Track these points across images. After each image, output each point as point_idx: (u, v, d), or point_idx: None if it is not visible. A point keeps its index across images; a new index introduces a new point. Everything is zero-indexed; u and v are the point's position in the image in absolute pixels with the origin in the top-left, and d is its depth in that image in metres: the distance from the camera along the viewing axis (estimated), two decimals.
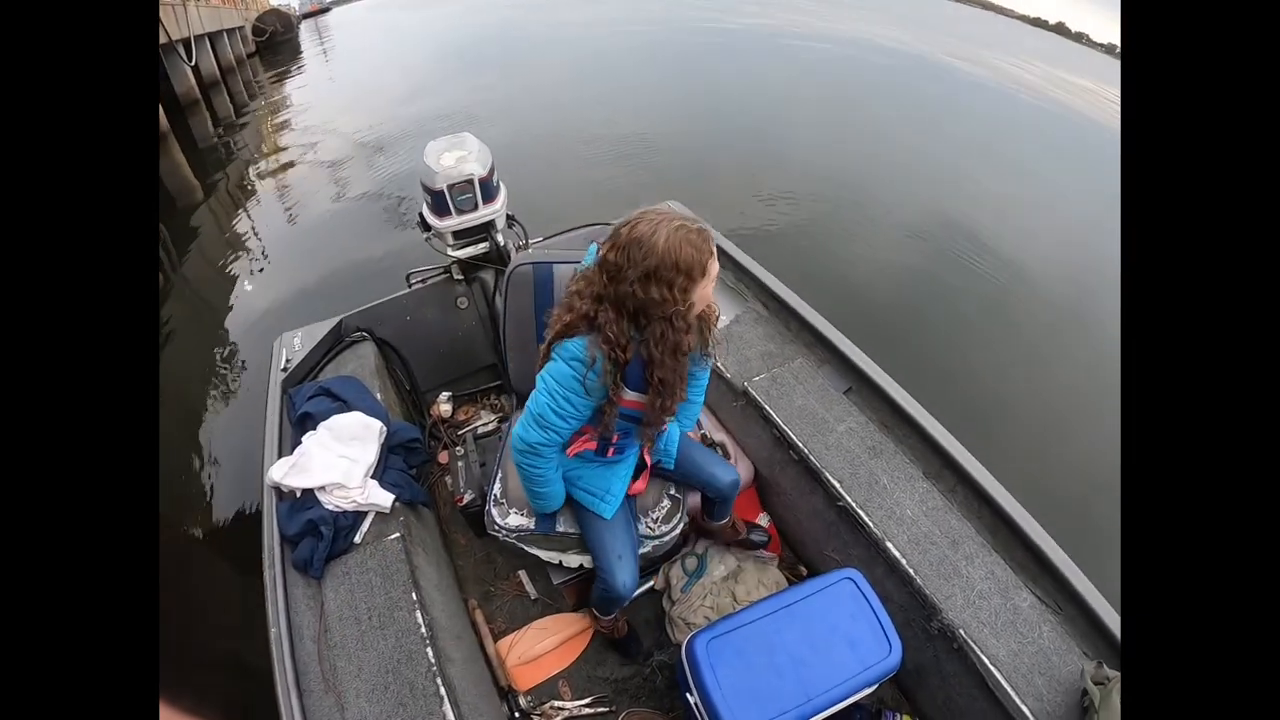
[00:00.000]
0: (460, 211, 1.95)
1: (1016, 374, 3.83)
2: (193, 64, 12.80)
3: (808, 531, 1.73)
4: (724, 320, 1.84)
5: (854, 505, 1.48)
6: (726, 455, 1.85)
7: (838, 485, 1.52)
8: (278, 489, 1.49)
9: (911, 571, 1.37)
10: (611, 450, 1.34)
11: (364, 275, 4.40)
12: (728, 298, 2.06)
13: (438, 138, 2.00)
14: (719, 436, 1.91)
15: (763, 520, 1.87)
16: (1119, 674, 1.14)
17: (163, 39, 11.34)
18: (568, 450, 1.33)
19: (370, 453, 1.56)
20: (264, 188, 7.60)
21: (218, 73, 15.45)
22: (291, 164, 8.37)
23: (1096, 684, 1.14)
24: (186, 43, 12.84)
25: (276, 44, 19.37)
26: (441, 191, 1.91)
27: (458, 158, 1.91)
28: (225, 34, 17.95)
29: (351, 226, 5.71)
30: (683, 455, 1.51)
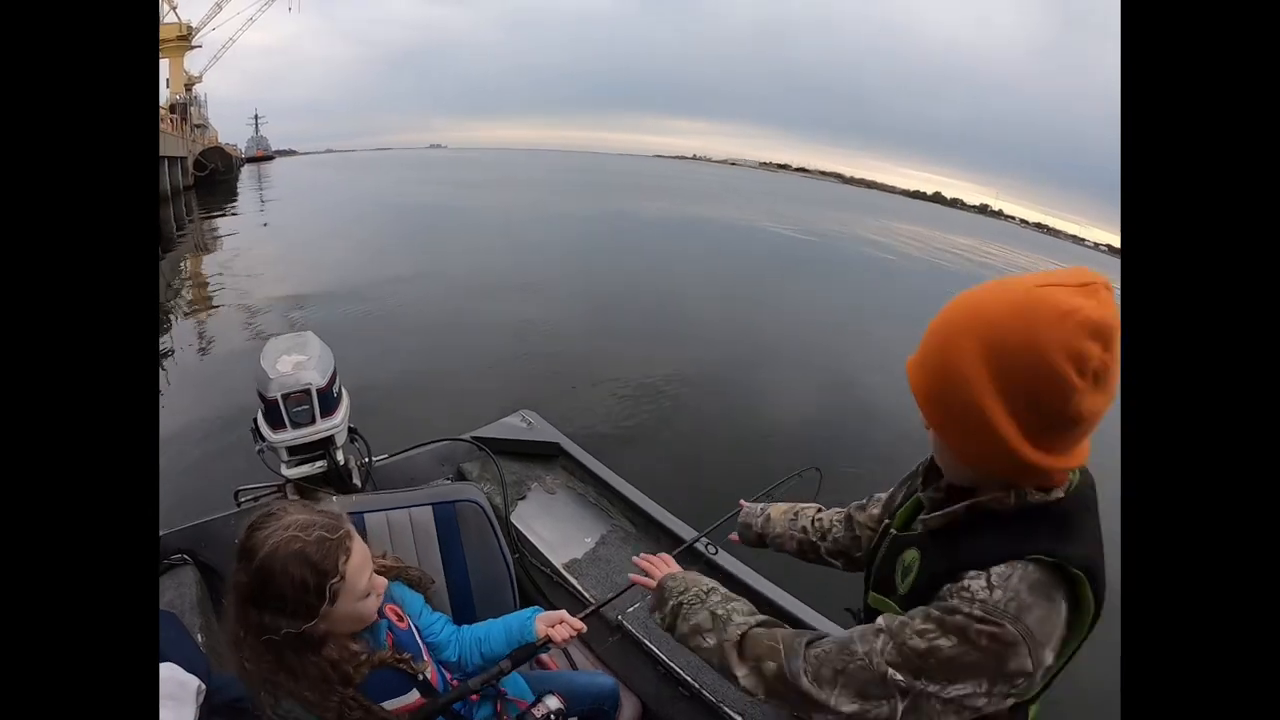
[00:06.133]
0: (296, 425, 1.68)
1: None
2: None
3: None
4: (588, 543, 1.73)
5: None
6: None
7: None
8: None
9: None
10: None
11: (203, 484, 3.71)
12: (590, 516, 1.90)
13: (279, 336, 1.79)
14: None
15: None
16: None
17: None
18: None
19: (185, 718, 1.22)
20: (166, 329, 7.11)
21: None
22: (199, 312, 8.00)
23: None
24: None
25: (216, 182, 19.72)
26: (276, 401, 1.66)
27: (295, 363, 1.68)
28: (166, 161, 18.27)
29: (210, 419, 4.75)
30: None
